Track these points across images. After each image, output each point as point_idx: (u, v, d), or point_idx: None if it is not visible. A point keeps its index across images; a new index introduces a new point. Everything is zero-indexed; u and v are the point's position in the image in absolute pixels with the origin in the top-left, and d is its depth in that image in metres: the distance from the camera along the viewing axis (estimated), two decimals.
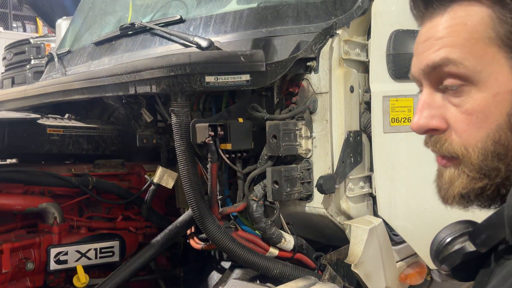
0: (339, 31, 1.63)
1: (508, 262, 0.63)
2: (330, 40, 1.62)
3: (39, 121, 1.78)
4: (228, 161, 1.57)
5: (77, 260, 1.75)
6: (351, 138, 1.65)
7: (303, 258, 1.70)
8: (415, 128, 0.69)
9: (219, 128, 1.52)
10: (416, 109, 0.70)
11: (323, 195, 1.62)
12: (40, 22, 9.30)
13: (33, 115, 1.81)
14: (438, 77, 0.66)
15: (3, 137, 1.58)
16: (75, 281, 1.71)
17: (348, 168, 1.67)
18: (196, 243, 1.82)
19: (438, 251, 0.72)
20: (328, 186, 1.60)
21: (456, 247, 0.70)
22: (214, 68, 1.48)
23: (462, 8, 0.64)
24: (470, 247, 0.68)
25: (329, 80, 1.61)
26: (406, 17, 1.37)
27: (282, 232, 1.66)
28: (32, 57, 5.45)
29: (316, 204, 1.65)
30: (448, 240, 0.71)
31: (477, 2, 0.63)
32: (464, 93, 0.65)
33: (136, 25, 1.97)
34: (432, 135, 0.69)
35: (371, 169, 1.76)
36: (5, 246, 1.58)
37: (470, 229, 0.71)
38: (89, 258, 1.76)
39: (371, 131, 1.70)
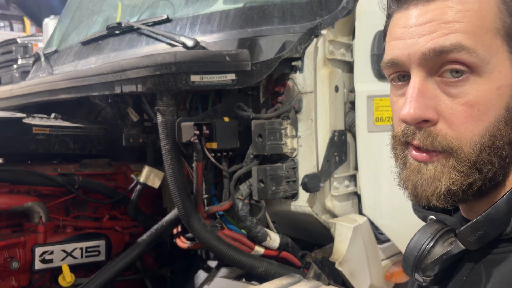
0: (324, 31, 1.65)
1: (508, 256, 0.61)
2: (315, 40, 1.63)
3: (25, 121, 1.77)
4: (213, 160, 1.58)
5: (62, 260, 1.74)
6: (336, 137, 1.67)
7: (289, 257, 1.71)
8: (409, 118, 0.63)
9: (204, 127, 1.53)
10: (408, 97, 0.63)
11: (308, 193, 1.64)
12: (27, 22, 9.21)
13: (18, 114, 1.80)
14: (438, 64, 0.62)
15: None
16: (60, 280, 1.71)
17: (333, 167, 1.69)
18: (182, 243, 1.83)
19: (420, 259, 0.66)
20: (313, 184, 1.61)
21: (442, 250, 0.65)
22: (199, 67, 1.49)
23: None
24: (458, 247, 0.65)
25: (314, 80, 1.63)
26: None
27: (268, 230, 1.68)
28: (19, 57, 5.40)
29: (302, 203, 1.66)
30: (431, 244, 0.66)
31: None
32: (467, 83, 0.61)
33: (123, 25, 1.97)
34: (421, 127, 0.64)
35: (356, 168, 1.78)
36: None
37: (447, 229, 0.67)
38: (74, 258, 1.76)
39: (355, 130, 1.73)
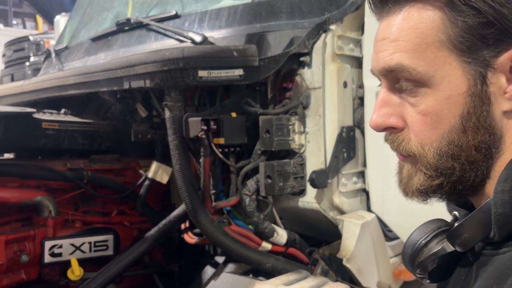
0: (332, 27, 1.64)
1: (492, 259, 0.62)
2: (324, 35, 1.62)
3: (35, 116, 1.79)
4: (221, 156, 1.58)
5: (71, 253, 1.76)
6: (344, 133, 1.66)
7: (296, 253, 1.71)
8: (373, 126, 0.69)
9: (212, 123, 1.53)
10: (374, 106, 0.70)
11: (316, 189, 1.63)
12: (39, 19, 9.31)
13: (28, 110, 1.82)
14: (394, 78, 0.67)
15: None
16: (69, 274, 1.72)
17: (341, 163, 1.68)
18: (190, 238, 1.83)
19: (414, 256, 0.69)
20: (320, 180, 1.61)
21: (434, 249, 0.68)
22: (207, 62, 1.49)
23: (415, 10, 0.64)
24: (449, 247, 0.67)
25: (322, 75, 1.62)
26: None
27: (275, 226, 1.67)
28: (31, 54, 5.47)
29: (309, 199, 1.66)
30: (423, 242, 0.69)
31: (429, 5, 0.63)
32: (419, 94, 0.65)
33: (132, 21, 1.98)
34: (390, 133, 0.70)
35: (364, 164, 1.77)
36: (0, 238, 1.59)
37: (444, 228, 0.69)
38: (83, 252, 1.77)
39: (364, 127, 1.71)
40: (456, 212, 0.73)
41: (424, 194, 0.68)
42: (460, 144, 0.64)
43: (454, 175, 0.65)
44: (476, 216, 0.64)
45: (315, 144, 1.64)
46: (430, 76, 0.63)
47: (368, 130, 1.70)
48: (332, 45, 1.63)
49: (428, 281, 0.71)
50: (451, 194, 0.68)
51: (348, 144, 1.68)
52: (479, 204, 0.67)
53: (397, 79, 0.67)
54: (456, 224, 0.68)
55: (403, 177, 0.71)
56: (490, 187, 0.65)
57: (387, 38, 0.66)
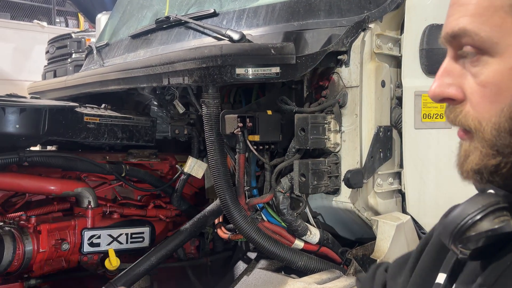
0: (371, 25, 1.62)
1: None
2: (362, 33, 1.61)
3: (77, 110, 1.85)
4: (255, 152, 1.59)
5: (109, 244, 1.81)
6: (381, 133, 1.64)
7: (329, 252, 1.70)
8: (431, 95, 0.66)
9: (247, 120, 1.54)
10: (436, 75, 0.66)
11: (351, 189, 1.62)
12: (81, 17, 9.61)
13: (71, 103, 1.89)
14: (458, 44, 0.63)
15: (43, 124, 1.66)
16: (107, 264, 1.78)
17: (377, 163, 1.66)
18: (223, 233, 1.85)
19: (462, 229, 0.62)
20: (355, 180, 1.59)
21: (491, 225, 0.60)
22: (244, 60, 1.50)
23: None
24: (511, 227, 0.60)
25: (360, 74, 1.60)
26: (441, 12, 1.34)
27: (308, 225, 1.67)
28: (73, 51, 5.64)
29: (343, 199, 1.65)
30: (479, 217, 0.61)
31: None
32: (481, 63, 0.61)
33: (171, 19, 2.02)
34: (449, 104, 0.65)
35: (401, 165, 1.74)
36: (43, 226, 1.66)
37: (503, 205, 0.62)
38: (120, 243, 1.83)
39: (401, 127, 1.68)
40: (492, 191, 0.67)
41: (480, 175, 0.62)
42: None
43: None
44: None
45: (350, 143, 1.62)
46: (494, 43, 0.59)
47: (406, 130, 1.67)
48: (370, 44, 1.61)
49: (465, 257, 0.65)
50: (509, 178, 0.62)
51: (385, 144, 1.66)
52: None
53: (460, 46, 0.63)
54: None
55: (461, 155, 0.66)
56: None
57: (457, 2, 0.63)
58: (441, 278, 0.72)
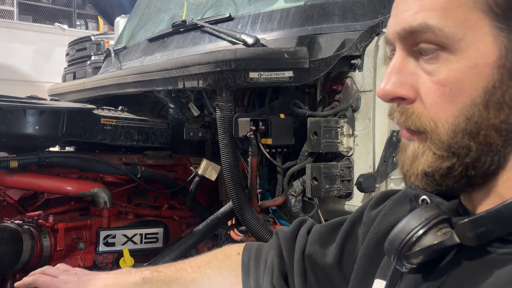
0: (385, 30, 1.61)
1: (505, 259, 0.55)
2: (376, 38, 1.61)
3: (94, 112, 1.89)
4: (268, 156, 1.61)
5: (123, 244, 1.85)
6: (394, 138, 1.64)
7: None
8: (380, 95, 0.61)
9: (260, 123, 1.56)
10: (385, 73, 0.61)
11: (363, 193, 1.62)
12: (101, 20, 9.78)
13: (89, 106, 1.93)
14: (413, 41, 0.58)
15: (62, 125, 1.70)
16: (121, 263, 1.81)
17: (390, 168, 1.65)
18: (236, 235, 1.87)
19: (407, 244, 0.59)
20: (368, 184, 1.59)
21: (435, 239, 0.58)
22: (258, 64, 1.52)
23: None
24: (453, 240, 0.57)
25: (373, 78, 1.60)
26: None
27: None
28: (92, 53, 5.74)
29: (356, 203, 1.65)
30: (422, 231, 0.58)
31: None
32: (439, 61, 0.57)
33: (187, 23, 2.05)
34: (399, 104, 0.61)
35: None
36: (61, 225, 1.70)
37: (444, 217, 0.59)
38: (134, 243, 1.86)
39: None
40: (426, 197, 0.64)
41: (430, 178, 0.59)
42: (480, 121, 0.56)
43: (468, 156, 0.57)
44: (501, 211, 0.55)
45: (363, 147, 1.63)
46: (457, 40, 0.55)
47: None
48: (384, 48, 1.61)
49: (407, 271, 0.62)
50: (459, 181, 0.58)
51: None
52: (482, 199, 0.59)
53: (416, 43, 0.58)
54: (460, 212, 0.61)
55: (407, 157, 0.61)
56: (502, 179, 0.58)
57: None
58: (379, 284, 0.69)
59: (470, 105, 0.56)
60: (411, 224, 0.59)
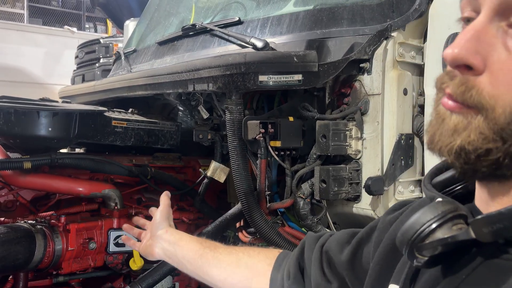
0: (394, 34, 1.63)
1: None
2: (385, 42, 1.62)
3: (106, 114, 1.92)
4: (277, 158, 1.62)
5: None
6: (402, 141, 1.65)
7: None
8: (450, 58, 0.55)
9: (269, 126, 1.57)
10: (460, 34, 0.56)
11: (371, 196, 1.63)
12: (109, 23, 9.86)
13: (100, 108, 1.96)
14: (510, 8, 0.54)
15: (74, 127, 1.73)
16: (131, 263, 1.83)
17: (398, 171, 1.66)
18: (244, 236, 1.88)
19: (420, 236, 0.57)
20: (376, 187, 1.60)
21: (449, 233, 0.56)
22: (267, 67, 1.54)
23: None
24: (468, 235, 0.56)
25: (382, 82, 1.61)
26: None
27: (328, 231, 1.69)
28: (101, 56, 5.79)
29: (364, 205, 1.66)
30: (436, 224, 0.57)
31: None
32: None
33: (197, 26, 2.07)
34: (462, 73, 0.56)
35: (422, 173, 1.74)
36: (72, 226, 1.73)
37: (460, 212, 0.58)
38: None
39: (423, 135, 1.69)
40: (440, 199, 0.62)
41: (464, 155, 0.56)
42: None
43: None
44: None
45: (372, 150, 1.64)
46: None
47: None
48: (393, 52, 1.62)
49: (420, 264, 0.60)
50: (490, 166, 0.56)
51: (406, 152, 1.67)
52: (499, 196, 0.58)
53: (510, 12, 0.53)
54: (474, 216, 0.59)
55: (446, 128, 0.57)
56: None
57: None
58: None
59: None
60: (426, 216, 0.58)
